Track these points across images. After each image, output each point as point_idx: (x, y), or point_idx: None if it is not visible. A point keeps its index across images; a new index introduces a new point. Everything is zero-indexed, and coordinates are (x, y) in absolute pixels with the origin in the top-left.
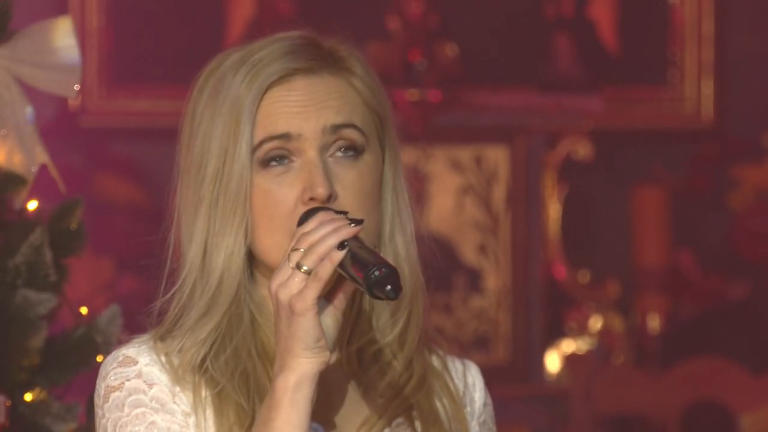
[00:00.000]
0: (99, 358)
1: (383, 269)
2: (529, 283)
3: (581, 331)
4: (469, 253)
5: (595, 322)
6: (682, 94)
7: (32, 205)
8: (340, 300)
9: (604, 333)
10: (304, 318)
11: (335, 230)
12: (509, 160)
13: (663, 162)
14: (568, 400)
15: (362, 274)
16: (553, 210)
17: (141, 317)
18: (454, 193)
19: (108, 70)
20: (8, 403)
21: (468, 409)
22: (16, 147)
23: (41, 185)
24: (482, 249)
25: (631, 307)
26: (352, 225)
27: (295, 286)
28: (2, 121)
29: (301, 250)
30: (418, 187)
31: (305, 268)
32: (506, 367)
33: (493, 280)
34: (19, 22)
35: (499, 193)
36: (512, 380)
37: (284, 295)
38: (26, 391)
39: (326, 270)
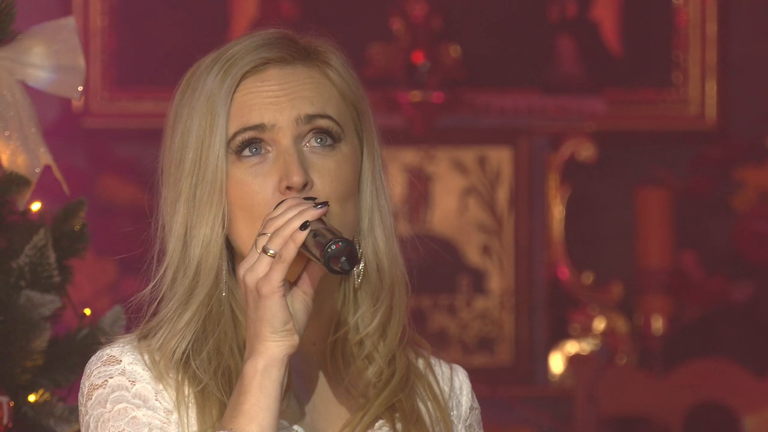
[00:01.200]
0: None
1: (339, 243)
2: (533, 285)
3: (585, 332)
4: (472, 255)
5: (599, 324)
6: (686, 96)
7: (36, 206)
8: (308, 284)
9: (608, 334)
10: (271, 300)
11: (300, 213)
12: (512, 161)
13: (666, 164)
14: (571, 401)
15: (320, 250)
16: (557, 211)
17: (127, 315)
18: (458, 195)
19: (111, 72)
20: (11, 404)
21: (454, 412)
22: (19, 148)
23: (45, 186)
24: (486, 250)
25: (635, 309)
26: (318, 207)
27: (261, 270)
28: (6, 122)
29: (268, 234)
30: (422, 189)
31: (271, 251)
32: (510, 368)
33: (497, 281)
34: (22, 23)
35: (502, 195)
36: (516, 381)
37: (251, 279)
38: (30, 393)
39: (290, 251)
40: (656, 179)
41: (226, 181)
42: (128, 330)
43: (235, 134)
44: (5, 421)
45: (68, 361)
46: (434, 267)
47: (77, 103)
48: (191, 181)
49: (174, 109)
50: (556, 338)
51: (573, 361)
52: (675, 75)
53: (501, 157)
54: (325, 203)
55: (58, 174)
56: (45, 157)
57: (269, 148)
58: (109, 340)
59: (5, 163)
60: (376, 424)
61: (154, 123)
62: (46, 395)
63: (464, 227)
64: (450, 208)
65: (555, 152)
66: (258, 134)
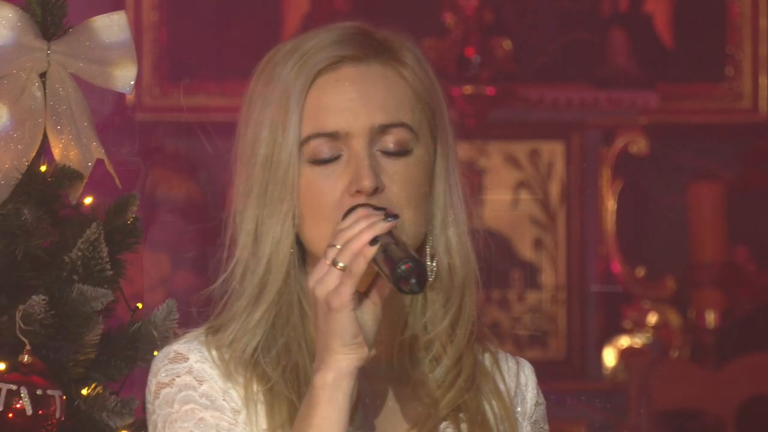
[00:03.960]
0: (155, 353)
1: (409, 263)
2: (585, 279)
3: (637, 326)
4: (525, 249)
5: (651, 318)
6: (738, 89)
7: (88, 200)
8: (377, 295)
9: (660, 328)
10: (341, 314)
11: (370, 226)
12: (565, 155)
13: (718, 157)
14: (624, 395)
15: (390, 269)
16: (609, 205)
17: (194, 308)
18: (510, 189)
19: (163, 66)
20: (64, 397)
21: (519, 408)
22: (72, 142)
23: (97, 180)
24: (538, 244)
25: (688, 303)
26: (389, 220)
27: (331, 283)
28: (58, 116)
29: (338, 246)
30: (474, 183)
31: (341, 264)
32: (562, 362)
33: (549, 275)
34: (74, 17)
35: (554, 189)
36: (568, 375)
37: (321, 292)
38: (82, 386)
39: (359, 266)
40: (709, 173)
41: (298, 180)
42: (181, 323)
43: (309, 137)
44: (58, 414)
45: (121, 354)
46: (487, 261)
47: (129, 97)
48: (263, 177)
49: (248, 96)
50: (609, 332)
51: (625, 355)
52: (727, 69)
53: (553, 151)
54: (395, 216)
55: (110, 168)
56: (97, 151)
57: (342, 151)
58: (181, 334)
59: (58, 157)
60: (441, 426)
61: (206, 117)
62: (99, 389)
63: (516, 221)
64: (502, 202)
65: (607, 146)
66: (331, 141)
